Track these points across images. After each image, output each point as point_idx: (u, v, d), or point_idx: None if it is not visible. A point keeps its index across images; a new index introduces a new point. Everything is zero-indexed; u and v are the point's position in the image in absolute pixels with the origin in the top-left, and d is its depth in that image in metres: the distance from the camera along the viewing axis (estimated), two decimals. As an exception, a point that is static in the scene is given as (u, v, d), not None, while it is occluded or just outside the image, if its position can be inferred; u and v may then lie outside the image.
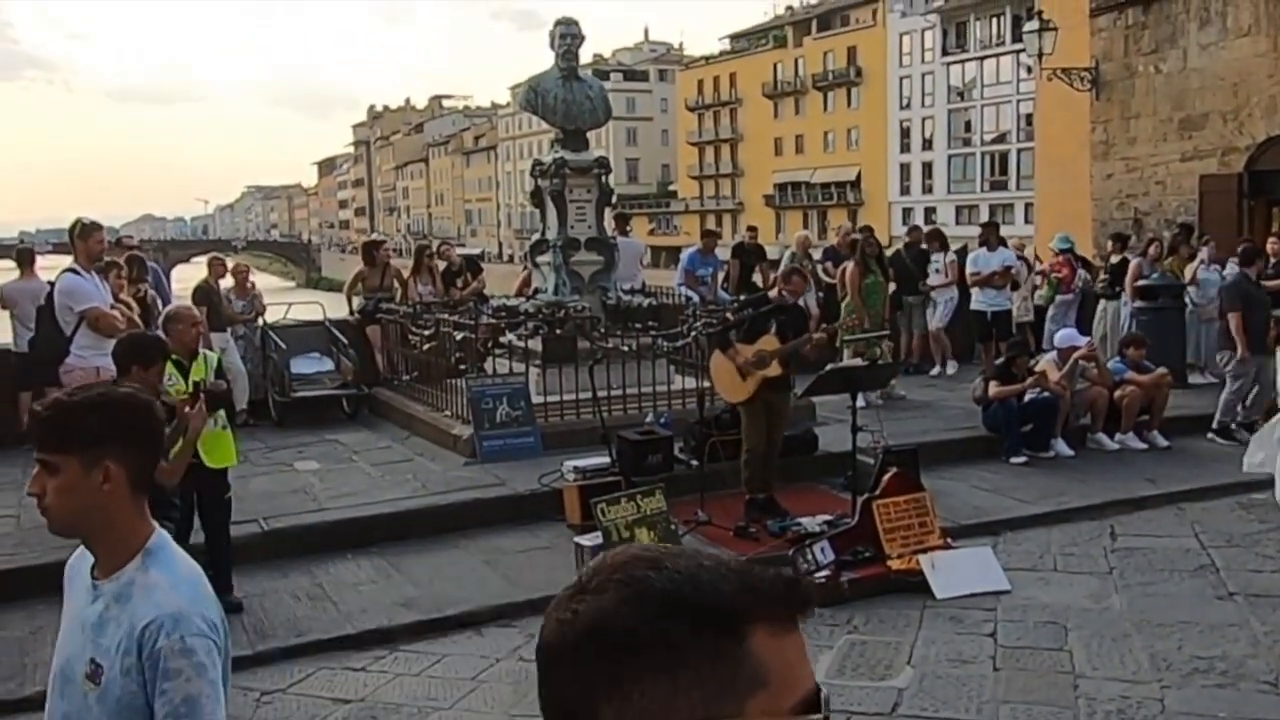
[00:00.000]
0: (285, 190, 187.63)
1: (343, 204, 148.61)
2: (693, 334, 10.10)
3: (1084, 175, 18.05)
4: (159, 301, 10.09)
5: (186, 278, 11.17)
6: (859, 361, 9.45)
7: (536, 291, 11.23)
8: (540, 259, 11.17)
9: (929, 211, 62.53)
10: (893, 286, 13.65)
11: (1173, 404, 10.68)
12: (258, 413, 11.23)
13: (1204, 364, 12.50)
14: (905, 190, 68.64)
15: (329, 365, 11.80)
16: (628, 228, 14.56)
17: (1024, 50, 45.32)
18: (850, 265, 11.82)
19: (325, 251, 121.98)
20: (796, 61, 75.84)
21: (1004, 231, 14.27)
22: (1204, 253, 12.91)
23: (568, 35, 10.87)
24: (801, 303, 9.01)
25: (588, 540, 6.54)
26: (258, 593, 6.80)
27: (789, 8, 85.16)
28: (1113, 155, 17.26)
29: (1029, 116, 54.75)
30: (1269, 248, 12.60)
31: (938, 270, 13.22)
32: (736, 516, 7.86)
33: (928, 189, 67.15)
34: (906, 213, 63.18)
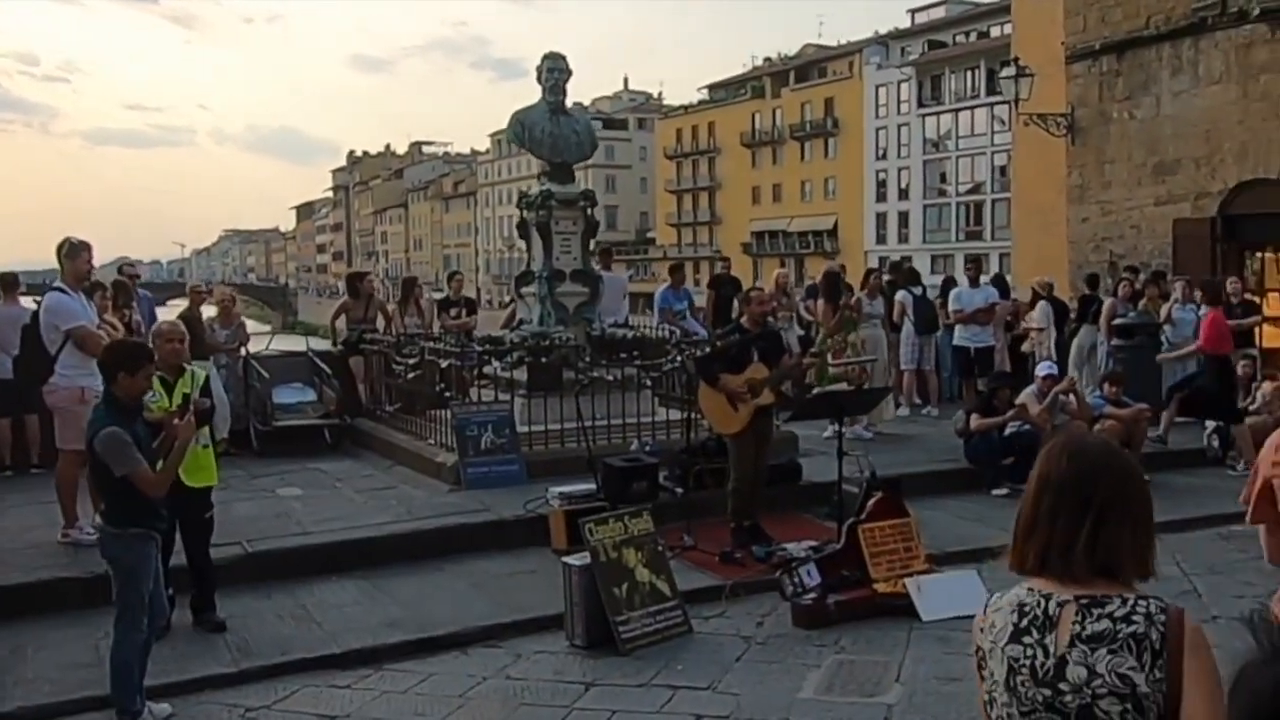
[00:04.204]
0: (263, 234, 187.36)
1: (321, 248, 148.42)
2: (675, 364, 10.14)
3: (1060, 220, 18.28)
4: (142, 326, 10.04)
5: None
6: (845, 386, 9.51)
7: (521, 322, 11.26)
8: (525, 290, 11.22)
9: (904, 260, 63.03)
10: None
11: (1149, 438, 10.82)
12: (238, 442, 11.10)
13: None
14: (881, 239, 69.24)
15: (311, 395, 11.78)
16: (611, 263, 14.61)
17: (998, 102, 46.19)
18: (822, 302, 11.90)
19: (302, 295, 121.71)
20: (774, 112, 76.77)
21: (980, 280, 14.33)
22: (1177, 291, 13.09)
23: (555, 70, 11.01)
24: (783, 337, 9.03)
25: (576, 560, 6.54)
26: (241, 613, 6.74)
27: (767, 59, 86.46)
28: (1088, 199, 17.50)
29: (1003, 168, 55.51)
30: (1228, 288, 12.96)
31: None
32: (722, 542, 7.87)
33: (904, 238, 67.77)
34: (882, 261, 63.64)
